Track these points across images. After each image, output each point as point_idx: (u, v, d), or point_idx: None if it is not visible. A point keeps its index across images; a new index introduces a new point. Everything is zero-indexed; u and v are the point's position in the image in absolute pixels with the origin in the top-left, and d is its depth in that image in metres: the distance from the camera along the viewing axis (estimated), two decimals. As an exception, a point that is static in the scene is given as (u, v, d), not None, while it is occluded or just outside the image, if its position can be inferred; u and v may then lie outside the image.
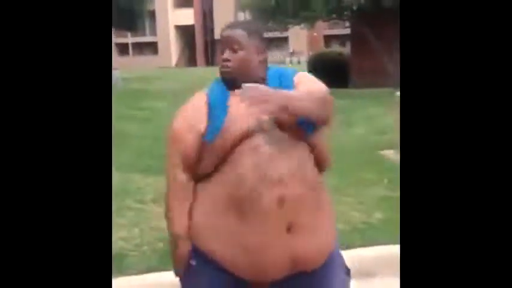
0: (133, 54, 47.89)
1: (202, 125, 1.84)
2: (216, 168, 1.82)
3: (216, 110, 1.84)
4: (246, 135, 1.78)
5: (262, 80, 1.90)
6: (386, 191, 4.99)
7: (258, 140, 1.78)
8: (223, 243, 1.79)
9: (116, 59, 37.77)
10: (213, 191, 1.83)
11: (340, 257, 1.97)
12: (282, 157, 1.77)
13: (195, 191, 1.87)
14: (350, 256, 3.56)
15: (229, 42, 1.89)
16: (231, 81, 1.88)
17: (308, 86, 1.89)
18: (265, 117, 1.79)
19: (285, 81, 1.92)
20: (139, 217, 4.31)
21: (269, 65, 1.98)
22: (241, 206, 1.76)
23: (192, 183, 1.87)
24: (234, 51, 1.88)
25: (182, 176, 1.86)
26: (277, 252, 1.76)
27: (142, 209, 4.52)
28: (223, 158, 1.80)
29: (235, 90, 1.79)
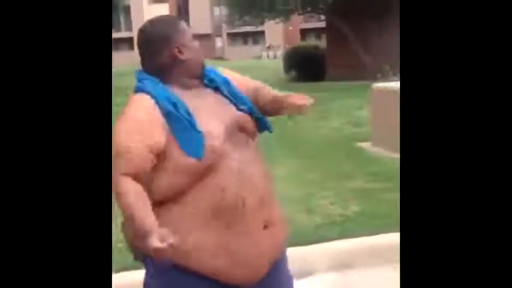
0: (108, 50, 47.53)
1: (161, 140, 1.70)
2: (190, 185, 1.73)
3: (183, 121, 1.72)
4: (223, 142, 1.76)
5: None
6: (363, 184, 5.01)
7: (226, 146, 1.75)
8: (211, 255, 1.74)
9: (91, 55, 37.30)
10: (192, 207, 1.74)
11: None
12: (250, 159, 1.81)
13: (167, 211, 1.75)
14: (328, 248, 3.60)
15: (188, 34, 1.91)
16: (185, 73, 1.86)
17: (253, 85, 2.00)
18: (229, 121, 1.80)
19: (219, 77, 1.94)
20: (115, 213, 4.26)
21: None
22: (224, 215, 1.74)
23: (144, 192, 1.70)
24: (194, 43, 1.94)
25: (132, 184, 1.67)
26: (261, 250, 1.78)
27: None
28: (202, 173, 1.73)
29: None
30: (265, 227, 1.79)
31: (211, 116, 1.79)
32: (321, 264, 3.41)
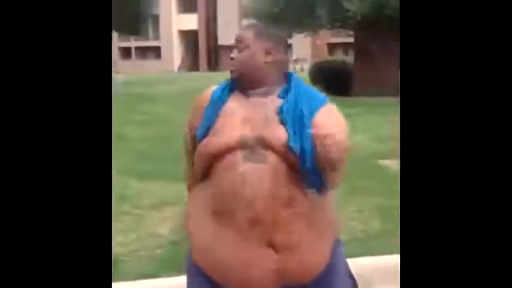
0: (136, 58, 47.97)
1: (196, 120, 1.89)
2: (202, 179, 1.84)
3: (210, 109, 1.85)
4: (229, 148, 1.77)
5: (274, 84, 1.88)
6: (385, 201, 4.97)
7: (238, 156, 1.76)
8: (211, 255, 1.79)
9: (119, 63, 37.87)
10: (199, 202, 1.85)
11: (337, 274, 1.93)
12: (259, 177, 1.74)
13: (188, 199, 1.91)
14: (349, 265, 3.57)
15: (236, 42, 1.90)
16: (236, 81, 1.90)
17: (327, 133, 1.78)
18: (251, 134, 1.78)
19: (313, 105, 1.84)
20: (137, 223, 4.29)
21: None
22: (220, 220, 1.77)
23: None
24: (240, 50, 1.88)
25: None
26: (260, 268, 1.74)
27: (140, 214, 4.50)
28: (207, 167, 1.82)
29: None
30: (271, 246, 1.74)
31: (239, 125, 1.80)
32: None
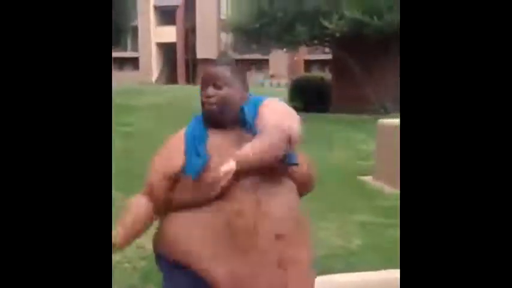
0: (114, 69, 47.62)
1: (177, 164, 1.89)
2: (211, 199, 1.84)
3: (195, 147, 1.89)
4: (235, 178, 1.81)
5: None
6: (366, 217, 5.05)
7: (254, 178, 1.83)
8: (218, 268, 1.81)
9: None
10: (208, 219, 1.84)
11: None
12: (275, 195, 1.84)
13: (182, 218, 1.89)
14: (330, 282, 3.61)
15: (213, 79, 1.95)
16: (213, 117, 1.94)
17: (266, 123, 1.89)
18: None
19: (251, 111, 1.94)
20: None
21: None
22: (237, 238, 1.79)
23: (149, 206, 1.95)
24: (218, 87, 1.94)
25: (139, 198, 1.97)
26: (267, 286, 1.79)
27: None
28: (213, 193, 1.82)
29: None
30: (279, 265, 1.80)
31: (229, 152, 1.83)
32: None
